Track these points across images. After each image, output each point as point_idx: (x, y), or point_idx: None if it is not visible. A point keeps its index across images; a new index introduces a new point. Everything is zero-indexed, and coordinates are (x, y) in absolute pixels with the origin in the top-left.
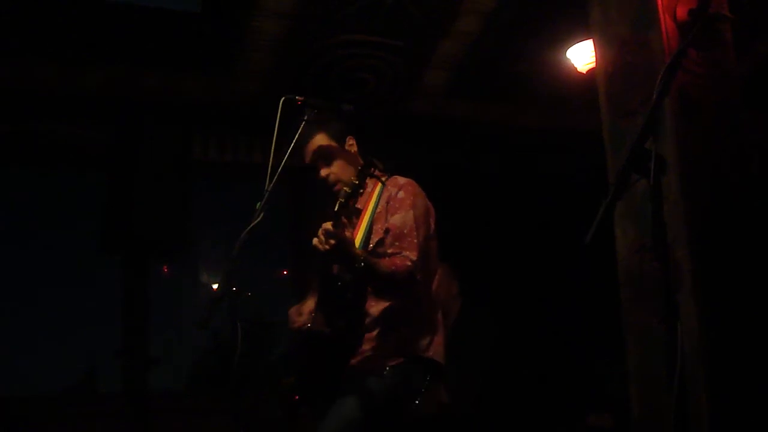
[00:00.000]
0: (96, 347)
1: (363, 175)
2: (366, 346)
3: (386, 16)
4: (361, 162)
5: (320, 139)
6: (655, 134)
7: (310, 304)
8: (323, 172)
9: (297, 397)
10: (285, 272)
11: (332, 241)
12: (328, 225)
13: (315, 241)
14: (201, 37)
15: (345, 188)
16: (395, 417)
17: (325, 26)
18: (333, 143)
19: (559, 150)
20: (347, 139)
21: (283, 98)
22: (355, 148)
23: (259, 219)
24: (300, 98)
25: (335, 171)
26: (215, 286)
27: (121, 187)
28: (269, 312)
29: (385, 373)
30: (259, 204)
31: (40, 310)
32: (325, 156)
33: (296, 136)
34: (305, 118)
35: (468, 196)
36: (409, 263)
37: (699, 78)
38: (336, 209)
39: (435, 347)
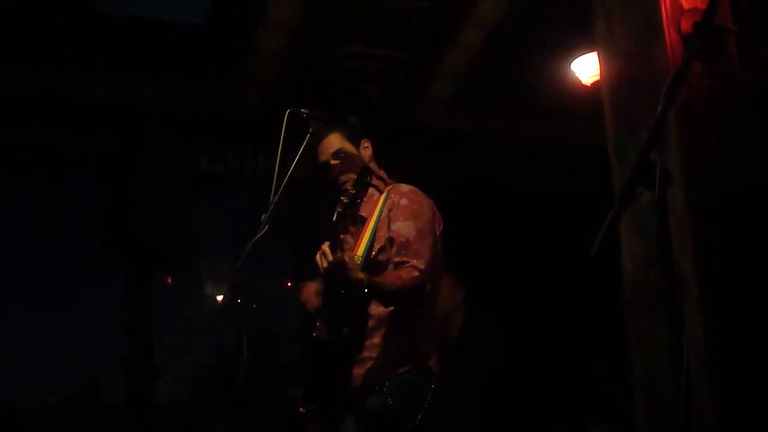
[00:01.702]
0: (99, 357)
1: (359, 184)
2: (367, 354)
3: (391, 27)
4: (375, 164)
5: (335, 139)
6: (660, 147)
7: (311, 285)
8: (335, 172)
9: (302, 410)
10: (289, 283)
11: (325, 265)
12: (326, 247)
13: (317, 256)
14: (206, 48)
15: (343, 198)
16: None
17: (329, 38)
18: (348, 144)
19: (562, 161)
20: (362, 142)
21: (288, 111)
22: (370, 151)
23: (264, 231)
24: (305, 111)
25: (348, 173)
26: (219, 298)
27: (125, 197)
28: (274, 323)
29: (386, 386)
30: (264, 216)
31: (43, 320)
32: (339, 157)
33: (301, 149)
34: (310, 130)
35: (471, 204)
36: (417, 273)
37: (703, 91)
38: (334, 219)
39: (435, 358)
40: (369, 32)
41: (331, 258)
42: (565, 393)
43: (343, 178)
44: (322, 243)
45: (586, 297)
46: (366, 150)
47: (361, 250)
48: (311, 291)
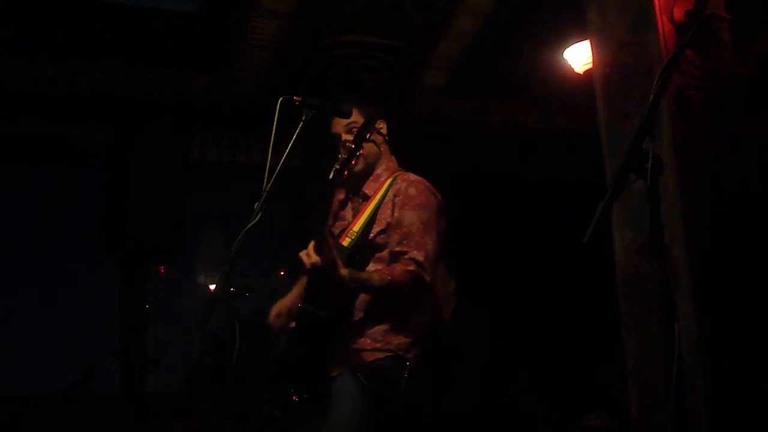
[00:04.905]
0: (94, 347)
1: (360, 138)
2: (350, 337)
3: (384, 16)
4: (388, 147)
5: (352, 113)
6: (652, 135)
7: (287, 300)
8: (345, 139)
9: (295, 398)
10: (282, 272)
11: (308, 267)
12: (310, 247)
13: (302, 255)
14: (199, 37)
15: (341, 154)
16: (384, 416)
17: (323, 26)
18: (363, 120)
19: (556, 151)
20: (378, 121)
21: (281, 98)
22: (384, 131)
23: (256, 219)
24: (298, 98)
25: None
26: (212, 287)
27: (119, 188)
28: (267, 312)
29: (362, 371)
30: (257, 204)
31: (38, 310)
32: (352, 131)
33: (294, 137)
34: (303, 118)
35: (466, 196)
36: (413, 267)
37: (696, 79)
38: (331, 177)
39: (416, 349)
40: (362, 20)
41: (315, 259)
42: (563, 392)
43: (351, 153)
44: (320, 222)
45: (581, 287)
46: (381, 129)
47: (357, 227)
48: (279, 311)
